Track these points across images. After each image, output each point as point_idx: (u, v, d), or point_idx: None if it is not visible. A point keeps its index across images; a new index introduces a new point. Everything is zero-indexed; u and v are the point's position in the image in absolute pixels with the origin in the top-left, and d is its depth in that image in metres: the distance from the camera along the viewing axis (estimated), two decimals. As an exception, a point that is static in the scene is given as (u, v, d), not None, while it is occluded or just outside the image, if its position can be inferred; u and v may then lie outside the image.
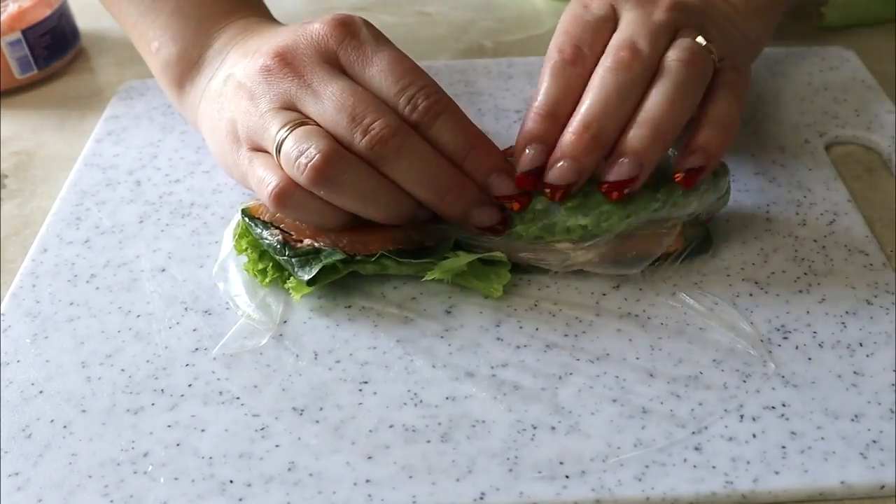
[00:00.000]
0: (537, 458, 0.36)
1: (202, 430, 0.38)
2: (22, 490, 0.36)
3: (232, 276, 0.45)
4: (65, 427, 0.38)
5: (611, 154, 0.42)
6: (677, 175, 0.43)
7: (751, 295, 0.43)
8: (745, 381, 0.39)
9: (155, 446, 0.37)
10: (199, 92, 0.49)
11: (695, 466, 0.35)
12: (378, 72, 0.41)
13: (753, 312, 0.42)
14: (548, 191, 0.42)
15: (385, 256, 0.42)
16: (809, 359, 0.40)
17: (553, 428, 0.37)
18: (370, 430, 0.37)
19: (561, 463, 0.36)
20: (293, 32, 0.43)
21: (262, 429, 0.38)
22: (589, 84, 0.42)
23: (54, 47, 0.64)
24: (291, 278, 0.42)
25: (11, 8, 0.62)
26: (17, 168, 0.56)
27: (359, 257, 0.42)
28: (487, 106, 0.57)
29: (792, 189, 0.49)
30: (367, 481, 0.35)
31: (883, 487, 0.35)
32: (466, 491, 0.35)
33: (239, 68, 0.45)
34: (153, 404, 0.39)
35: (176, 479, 0.36)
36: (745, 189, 0.49)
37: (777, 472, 0.35)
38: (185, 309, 0.44)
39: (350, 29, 0.42)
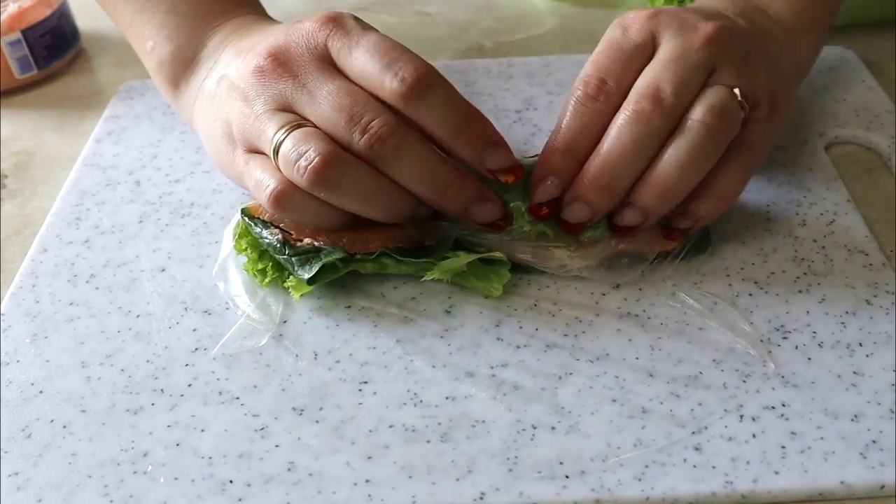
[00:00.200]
0: (537, 458, 0.36)
1: (202, 430, 0.38)
2: (22, 490, 0.36)
3: (232, 276, 0.45)
4: (65, 427, 0.38)
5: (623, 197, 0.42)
6: (663, 230, 0.44)
7: (750, 295, 0.43)
8: (744, 381, 0.39)
9: (155, 446, 0.37)
10: (194, 92, 0.49)
11: (694, 466, 0.35)
12: (363, 52, 0.41)
13: (753, 312, 0.42)
14: (563, 224, 0.43)
15: (385, 255, 0.42)
16: (809, 359, 0.40)
17: (553, 428, 0.37)
18: (370, 430, 0.37)
19: (561, 463, 0.36)
20: (285, 31, 0.43)
21: (262, 429, 0.38)
22: (609, 128, 0.42)
23: (54, 47, 0.64)
24: (291, 277, 0.42)
25: (11, 8, 0.62)
26: (17, 168, 0.56)
27: (358, 256, 0.42)
28: (487, 106, 0.57)
29: (792, 189, 0.49)
30: (367, 481, 0.35)
31: (883, 487, 0.35)
32: (466, 491, 0.35)
33: (232, 68, 0.45)
34: (153, 404, 0.39)
35: (176, 479, 0.36)
36: (745, 189, 0.49)
37: (777, 472, 0.35)
38: (185, 309, 0.44)
39: (339, 21, 0.42)
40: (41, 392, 0.40)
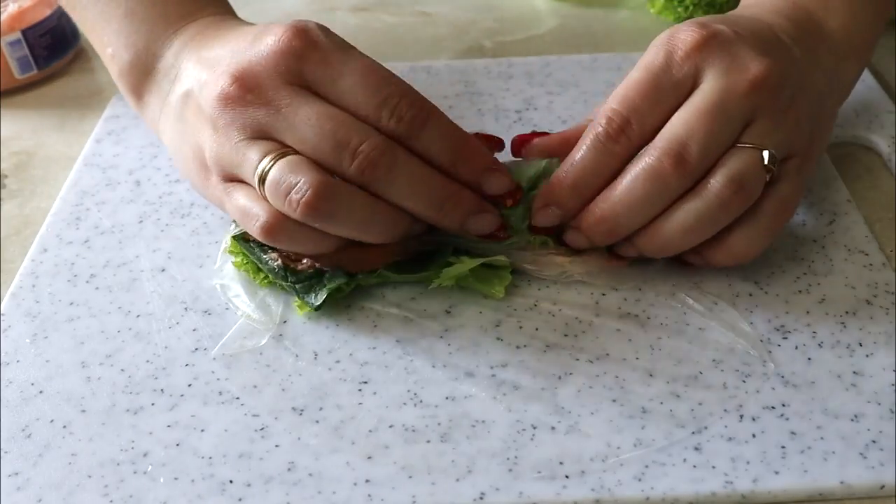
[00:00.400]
0: (537, 458, 0.36)
1: (202, 430, 0.38)
2: (22, 490, 0.36)
3: (231, 276, 0.45)
4: (64, 427, 0.38)
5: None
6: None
7: (750, 295, 0.43)
8: (744, 381, 0.39)
9: (155, 446, 0.37)
10: (158, 106, 0.47)
11: (694, 466, 0.35)
12: (352, 85, 0.39)
13: (753, 312, 0.42)
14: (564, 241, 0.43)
15: (386, 270, 0.43)
16: (809, 359, 0.40)
17: (553, 428, 0.37)
18: (370, 430, 0.37)
19: (561, 463, 0.36)
20: (249, 44, 0.41)
21: (262, 429, 0.38)
22: (624, 172, 0.40)
23: (54, 47, 0.64)
24: (297, 297, 0.43)
25: (11, 8, 0.62)
26: (17, 168, 0.56)
27: (360, 276, 0.42)
28: (487, 106, 0.57)
29: (792, 189, 0.49)
30: (367, 481, 0.35)
31: (883, 487, 0.35)
32: (466, 491, 0.35)
33: (197, 85, 0.43)
34: (153, 404, 0.39)
35: (176, 479, 0.36)
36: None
37: (777, 472, 0.35)
38: (185, 309, 0.44)
39: (309, 39, 0.39)
40: (41, 392, 0.40)
